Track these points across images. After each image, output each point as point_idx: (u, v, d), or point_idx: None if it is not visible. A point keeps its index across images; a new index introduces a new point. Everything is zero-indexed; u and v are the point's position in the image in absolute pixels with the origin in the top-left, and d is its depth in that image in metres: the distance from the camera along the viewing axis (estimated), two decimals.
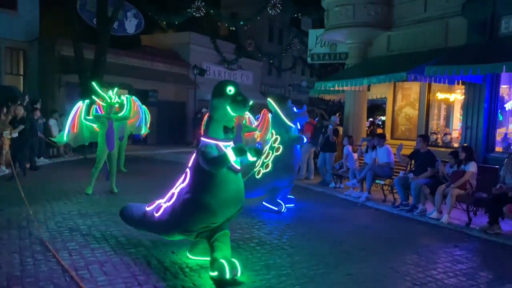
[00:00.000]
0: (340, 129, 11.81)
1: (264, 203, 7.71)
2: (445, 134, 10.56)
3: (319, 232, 6.44)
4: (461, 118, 9.88)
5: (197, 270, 4.60)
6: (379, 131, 10.01)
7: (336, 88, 11.09)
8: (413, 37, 10.70)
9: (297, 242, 5.81)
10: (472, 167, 7.15)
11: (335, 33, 12.14)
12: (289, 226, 6.73)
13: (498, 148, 9.06)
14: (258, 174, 7.46)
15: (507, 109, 8.87)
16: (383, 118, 11.18)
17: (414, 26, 10.70)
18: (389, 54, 11.33)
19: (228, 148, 4.27)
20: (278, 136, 7.44)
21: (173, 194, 4.62)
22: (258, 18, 20.64)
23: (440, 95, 10.96)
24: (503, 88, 9.05)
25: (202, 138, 4.45)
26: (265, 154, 7.47)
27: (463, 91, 9.80)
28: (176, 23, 20.00)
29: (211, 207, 4.24)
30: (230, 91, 4.20)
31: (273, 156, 7.39)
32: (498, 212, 6.55)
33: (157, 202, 4.83)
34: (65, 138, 8.28)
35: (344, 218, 7.47)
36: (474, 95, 9.19)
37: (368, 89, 11.78)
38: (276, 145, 7.41)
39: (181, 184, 4.56)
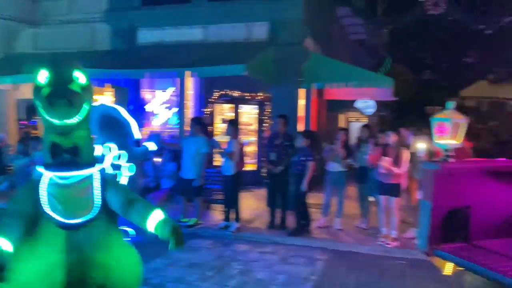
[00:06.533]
0: None
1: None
2: None
3: None
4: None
5: None
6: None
7: None
8: (61, 37, 10.50)
9: None
10: None
11: None
12: None
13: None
14: None
15: (146, 110, 10.14)
16: None
17: (61, 26, 10.54)
18: (36, 52, 10.71)
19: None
20: None
21: None
22: None
23: (96, 97, 11.30)
24: (144, 92, 10.27)
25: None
26: None
27: (114, 93, 10.48)
28: None
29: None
30: (41, 80, 2.49)
31: None
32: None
33: None
34: None
35: None
36: (121, 97, 10.01)
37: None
38: None
39: None
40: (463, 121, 3.44)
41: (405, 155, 6.07)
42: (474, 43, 16.92)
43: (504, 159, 3.84)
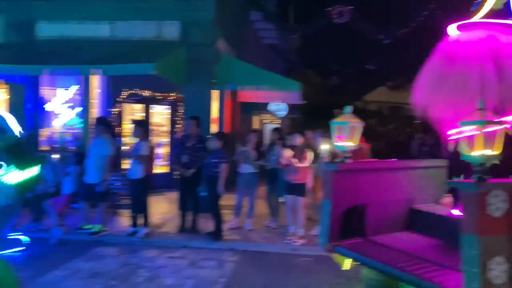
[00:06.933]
0: None
1: None
2: None
3: None
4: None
5: None
6: None
7: None
8: None
9: None
10: None
11: None
12: None
13: (46, 147, 9.43)
14: None
15: (46, 109, 9.38)
16: None
17: None
18: None
19: None
20: None
21: None
22: None
23: None
24: (44, 90, 9.49)
25: None
26: None
27: (8, 90, 9.56)
28: None
29: None
30: None
31: None
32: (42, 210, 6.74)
33: None
34: None
35: None
36: (17, 95, 9.19)
37: None
38: None
39: None
40: (359, 125, 3.65)
41: (308, 154, 6.35)
42: (375, 51, 18.29)
43: (395, 159, 4.16)
